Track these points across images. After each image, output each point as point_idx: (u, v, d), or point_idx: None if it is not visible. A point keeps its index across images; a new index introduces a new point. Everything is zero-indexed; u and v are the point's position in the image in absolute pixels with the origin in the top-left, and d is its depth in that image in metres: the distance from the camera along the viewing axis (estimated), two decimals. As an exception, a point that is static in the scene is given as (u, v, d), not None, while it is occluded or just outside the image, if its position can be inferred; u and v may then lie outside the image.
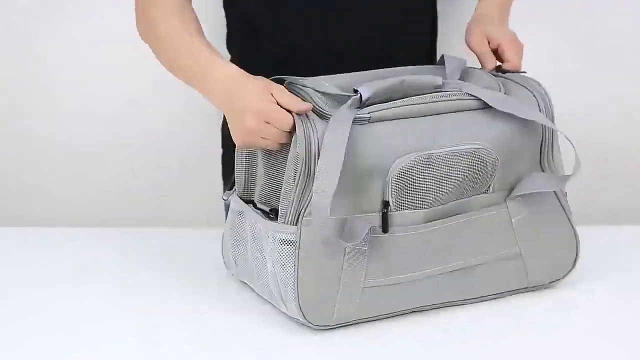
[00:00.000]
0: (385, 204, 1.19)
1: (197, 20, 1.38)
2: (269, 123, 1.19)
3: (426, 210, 1.21)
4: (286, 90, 1.23)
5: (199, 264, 1.43)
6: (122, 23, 1.74)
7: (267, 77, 1.26)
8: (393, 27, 1.46)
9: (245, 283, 1.34)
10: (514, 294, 1.31)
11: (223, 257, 1.36)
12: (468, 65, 1.34)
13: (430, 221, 1.22)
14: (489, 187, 1.25)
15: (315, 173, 1.15)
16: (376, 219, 1.20)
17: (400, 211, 1.20)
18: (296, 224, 1.18)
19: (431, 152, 1.20)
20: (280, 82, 1.26)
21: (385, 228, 1.19)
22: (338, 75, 1.27)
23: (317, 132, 1.17)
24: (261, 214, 1.25)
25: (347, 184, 1.17)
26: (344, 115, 1.18)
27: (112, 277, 1.39)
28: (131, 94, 1.78)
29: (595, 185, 1.81)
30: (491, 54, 1.38)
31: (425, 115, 1.22)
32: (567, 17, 1.75)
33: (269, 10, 1.45)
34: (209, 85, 1.29)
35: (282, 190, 1.20)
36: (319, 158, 1.16)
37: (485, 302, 1.29)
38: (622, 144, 1.81)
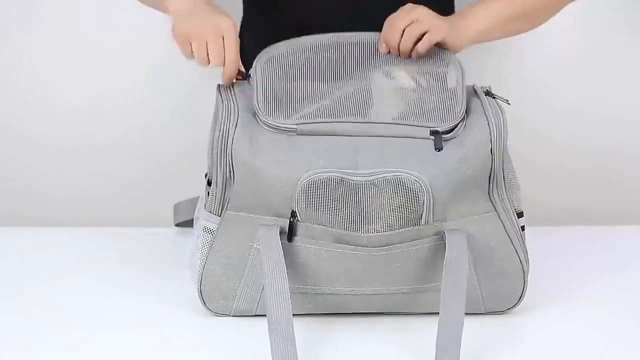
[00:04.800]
0: (293, 214, 1.18)
1: None
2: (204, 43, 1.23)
3: (339, 231, 1.18)
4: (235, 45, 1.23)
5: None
6: (121, 23, 1.75)
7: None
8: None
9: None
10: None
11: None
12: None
13: (343, 243, 1.18)
14: (420, 219, 1.18)
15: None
16: (286, 224, 1.19)
17: (309, 224, 1.18)
18: (220, 215, 1.21)
19: (345, 175, 1.16)
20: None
21: (289, 237, 1.19)
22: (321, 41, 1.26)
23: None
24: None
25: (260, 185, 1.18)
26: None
27: (111, 277, 1.38)
28: (130, 94, 1.78)
29: (595, 185, 1.81)
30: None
31: (351, 136, 1.19)
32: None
33: None
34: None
35: (213, 181, 1.21)
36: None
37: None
38: (622, 144, 1.81)
